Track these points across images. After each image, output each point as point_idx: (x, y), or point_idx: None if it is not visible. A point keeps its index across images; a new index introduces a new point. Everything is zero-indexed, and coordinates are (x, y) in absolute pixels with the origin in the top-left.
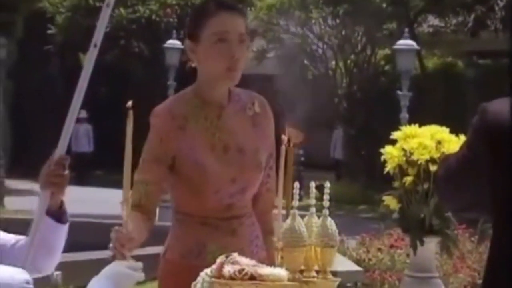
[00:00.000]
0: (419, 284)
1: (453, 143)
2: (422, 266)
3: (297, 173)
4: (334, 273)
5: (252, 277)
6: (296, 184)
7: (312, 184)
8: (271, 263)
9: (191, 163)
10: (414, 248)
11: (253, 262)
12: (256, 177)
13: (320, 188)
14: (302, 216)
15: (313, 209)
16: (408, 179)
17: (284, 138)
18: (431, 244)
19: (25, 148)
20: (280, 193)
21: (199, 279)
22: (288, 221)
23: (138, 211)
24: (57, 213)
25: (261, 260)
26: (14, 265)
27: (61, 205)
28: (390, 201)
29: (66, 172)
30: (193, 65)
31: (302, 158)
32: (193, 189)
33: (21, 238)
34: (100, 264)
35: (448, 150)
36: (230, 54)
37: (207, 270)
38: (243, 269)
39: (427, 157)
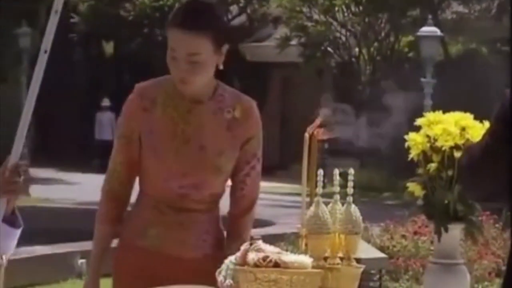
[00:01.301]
0: (444, 270)
1: (477, 129)
2: (447, 253)
3: (321, 161)
4: (358, 260)
5: (276, 264)
6: (320, 172)
7: (336, 172)
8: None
9: (146, 147)
10: (439, 234)
11: (277, 249)
12: (213, 179)
13: (344, 175)
14: (326, 203)
15: (337, 196)
16: (432, 165)
17: (309, 130)
18: (456, 231)
19: (48, 136)
20: (304, 180)
21: (223, 266)
22: (312, 208)
23: (113, 197)
24: (11, 219)
25: (209, 256)
26: None
27: (13, 211)
28: (414, 187)
29: (21, 178)
30: None
31: (326, 146)
32: (148, 171)
33: None
34: None
35: (472, 136)
36: (178, 74)
37: (231, 258)
38: (267, 257)
39: (451, 143)
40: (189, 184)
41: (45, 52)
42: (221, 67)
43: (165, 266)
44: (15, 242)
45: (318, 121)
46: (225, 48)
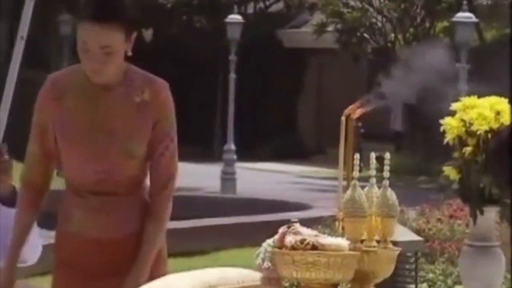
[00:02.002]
0: (479, 253)
1: None
2: (482, 236)
3: (357, 145)
4: (394, 243)
5: (314, 247)
6: (356, 156)
7: (372, 155)
8: (140, 243)
9: (60, 135)
10: (474, 217)
11: (315, 232)
12: (124, 163)
13: (380, 159)
14: (363, 187)
15: (373, 180)
16: (468, 149)
17: (346, 112)
18: (491, 214)
19: None
20: (341, 164)
21: (261, 249)
22: (349, 192)
23: (30, 186)
24: (10, 199)
25: (131, 236)
26: None
27: (13, 190)
28: (450, 171)
29: (6, 157)
30: None
31: (362, 130)
32: (65, 159)
33: None
34: (166, 235)
35: (507, 121)
36: (90, 65)
37: (269, 241)
38: (304, 239)
39: (486, 127)
40: (103, 169)
41: (22, 38)
42: (129, 53)
43: (85, 249)
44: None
45: (356, 104)
46: (134, 35)
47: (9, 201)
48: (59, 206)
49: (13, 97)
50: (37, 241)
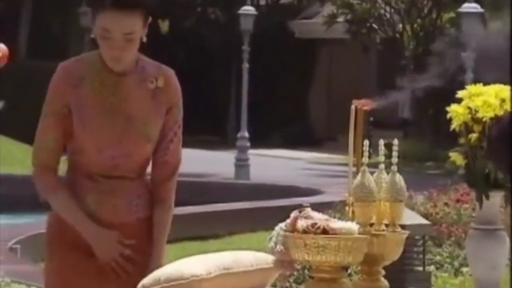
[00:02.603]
0: (485, 236)
1: None
2: (488, 219)
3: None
4: (403, 227)
5: (324, 231)
6: (366, 142)
7: (381, 142)
8: (154, 227)
9: (77, 121)
10: (480, 202)
11: (325, 216)
12: (141, 147)
13: (388, 146)
14: (372, 173)
15: (382, 166)
16: (474, 136)
17: (356, 102)
18: (496, 198)
19: None
20: (351, 151)
21: (274, 233)
22: (359, 177)
23: (49, 171)
24: None
25: (141, 219)
26: None
27: None
28: (456, 157)
29: None
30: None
31: (371, 118)
32: (79, 146)
33: None
34: (181, 220)
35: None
36: (112, 53)
37: (282, 225)
38: (315, 223)
39: (491, 114)
40: (120, 154)
41: None
42: (144, 39)
43: None
44: None
45: (367, 100)
46: (149, 21)
47: None
48: None
49: (36, 88)
50: None
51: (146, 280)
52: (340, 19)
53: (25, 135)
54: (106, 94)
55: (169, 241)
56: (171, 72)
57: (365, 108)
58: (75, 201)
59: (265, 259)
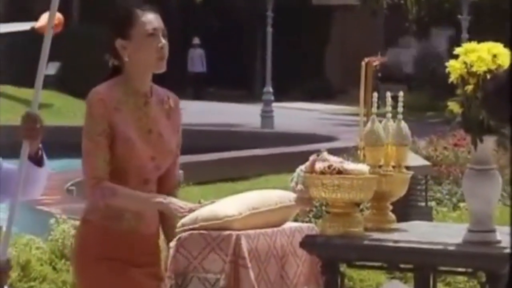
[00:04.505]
0: (480, 175)
1: (506, 56)
2: (482, 160)
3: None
4: (407, 168)
5: (339, 172)
6: (375, 95)
7: (388, 95)
8: (165, 225)
9: (122, 140)
10: (475, 145)
11: (340, 159)
12: (169, 160)
13: (394, 98)
14: (380, 121)
15: (389, 115)
16: (469, 87)
17: (366, 59)
18: (489, 142)
19: None
20: (362, 102)
21: (295, 174)
22: (369, 125)
23: (105, 180)
24: (36, 159)
25: (158, 227)
26: None
27: (37, 152)
28: (454, 106)
29: (38, 126)
30: (116, 63)
31: (379, 74)
32: (119, 163)
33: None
34: (215, 164)
35: (503, 62)
36: (158, 50)
37: (302, 167)
38: (331, 165)
39: (484, 68)
40: (154, 167)
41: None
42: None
43: (131, 243)
44: (42, 177)
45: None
46: None
47: (35, 158)
48: (95, 205)
49: (88, 50)
50: (40, 178)
51: (185, 220)
52: None
53: (78, 92)
54: (140, 114)
55: (205, 182)
56: (174, 94)
57: (375, 63)
58: (135, 193)
59: (288, 197)
